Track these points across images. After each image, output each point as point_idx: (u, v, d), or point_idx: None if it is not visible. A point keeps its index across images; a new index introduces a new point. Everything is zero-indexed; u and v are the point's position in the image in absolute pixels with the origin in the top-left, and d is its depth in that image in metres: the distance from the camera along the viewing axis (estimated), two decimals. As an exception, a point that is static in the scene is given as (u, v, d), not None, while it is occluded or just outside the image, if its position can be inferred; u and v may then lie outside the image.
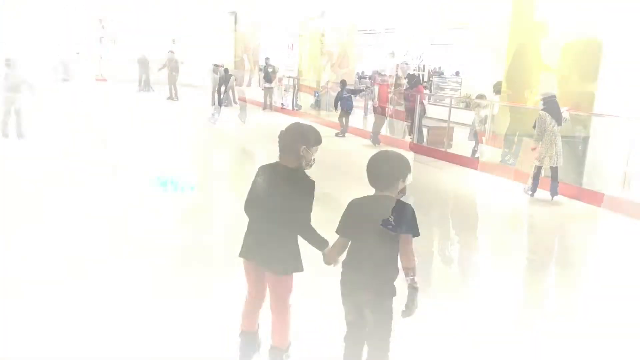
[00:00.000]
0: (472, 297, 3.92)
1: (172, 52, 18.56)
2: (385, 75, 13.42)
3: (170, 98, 17.82)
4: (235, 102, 15.51)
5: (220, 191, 6.79)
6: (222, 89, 13.79)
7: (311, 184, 2.55)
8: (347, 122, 11.79)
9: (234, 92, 15.55)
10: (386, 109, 10.66)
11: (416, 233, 2.36)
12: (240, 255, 2.68)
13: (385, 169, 2.43)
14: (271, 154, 2.76)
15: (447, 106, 10.43)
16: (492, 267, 4.60)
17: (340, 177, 7.24)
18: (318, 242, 2.58)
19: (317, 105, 15.89)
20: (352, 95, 12.00)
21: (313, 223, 2.60)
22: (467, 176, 8.29)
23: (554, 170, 6.79)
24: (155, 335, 3.09)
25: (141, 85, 20.01)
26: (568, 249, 5.26)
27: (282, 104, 16.77)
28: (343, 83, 12.19)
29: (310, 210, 2.53)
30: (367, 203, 2.43)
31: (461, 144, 10.28)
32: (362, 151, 10.25)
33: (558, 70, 7.67)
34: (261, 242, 2.60)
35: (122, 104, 15.99)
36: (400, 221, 2.30)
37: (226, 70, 14.68)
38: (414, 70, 19.35)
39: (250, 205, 2.66)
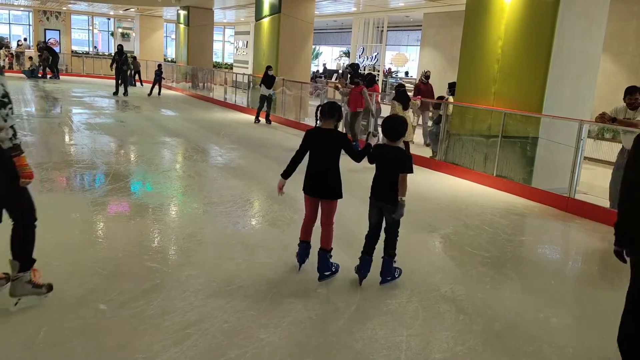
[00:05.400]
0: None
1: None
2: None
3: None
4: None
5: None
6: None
7: (346, 135, 4.14)
8: (159, 87, 19.04)
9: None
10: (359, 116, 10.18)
11: (412, 172, 3.78)
12: (304, 191, 4.02)
13: (400, 128, 3.87)
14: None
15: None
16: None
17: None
18: (364, 152, 3.97)
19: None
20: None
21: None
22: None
23: (406, 144, 8.72)
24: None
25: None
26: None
27: None
28: (160, 66, 19.11)
29: (351, 144, 4.00)
30: (387, 148, 3.88)
31: (414, 143, 10.51)
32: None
33: (509, 71, 7.94)
34: (318, 179, 3.95)
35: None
36: (405, 164, 3.77)
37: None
38: (369, 70, 19.60)
39: (310, 154, 3.98)
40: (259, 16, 16.49)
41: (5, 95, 3.03)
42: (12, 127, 3.05)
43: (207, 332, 3.12)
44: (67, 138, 9.79)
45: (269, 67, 13.65)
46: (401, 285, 4.01)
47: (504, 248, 5.18)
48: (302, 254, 4.13)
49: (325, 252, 4.01)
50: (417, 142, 11.18)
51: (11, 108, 3.05)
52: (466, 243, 5.22)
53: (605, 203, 6.49)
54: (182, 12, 23.51)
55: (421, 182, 7.88)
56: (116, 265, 4.05)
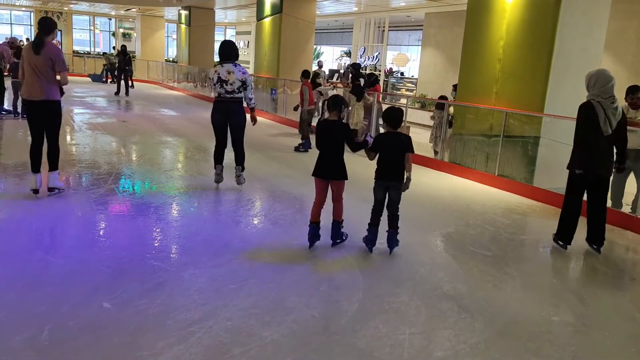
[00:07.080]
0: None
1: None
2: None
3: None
4: None
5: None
6: None
7: (348, 125, 4.72)
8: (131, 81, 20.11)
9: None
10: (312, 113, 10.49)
11: (413, 151, 4.47)
12: (314, 174, 4.51)
13: (399, 117, 4.53)
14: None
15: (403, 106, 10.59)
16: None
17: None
18: (360, 145, 4.51)
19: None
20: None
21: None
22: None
23: (354, 131, 9.04)
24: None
25: None
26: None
27: None
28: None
29: (352, 136, 4.57)
30: (389, 135, 4.54)
31: (416, 144, 10.50)
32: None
33: (510, 71, 7.94)
34: (327, 164, 4.46)
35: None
36: (408, 146, 4.44)
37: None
38: (370, 69, 19.61)
39: (319, 143, 4.53)
40: (260, 16, 16.51)
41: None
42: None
43: (210, 330, 3.13)
44: (69, 138, 9.80)
45: (316, 74, 11.57)
46: (403, 284, 4.02)
47: (506, 247, 5.19)
48: (312, 234, 4.54)
49: (337, 223, 4.58)
50: (421, 141, 11.18)
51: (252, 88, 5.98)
52: (468, 242, 5.23)
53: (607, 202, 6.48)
54: (184, 12, 23.53)
55: (423, 181, 7.90)
56: (120, 263, 4.07)
